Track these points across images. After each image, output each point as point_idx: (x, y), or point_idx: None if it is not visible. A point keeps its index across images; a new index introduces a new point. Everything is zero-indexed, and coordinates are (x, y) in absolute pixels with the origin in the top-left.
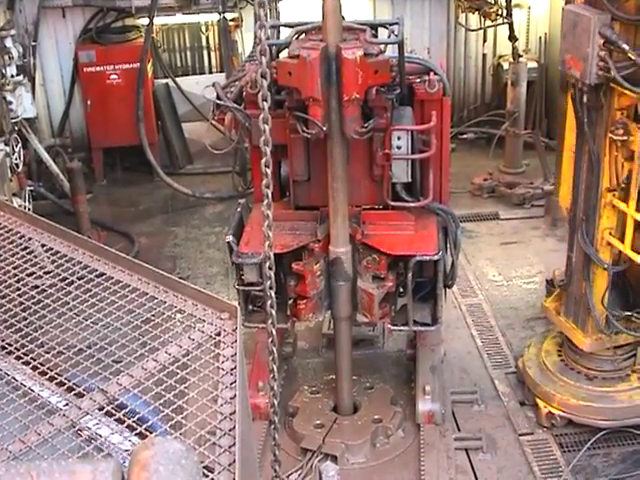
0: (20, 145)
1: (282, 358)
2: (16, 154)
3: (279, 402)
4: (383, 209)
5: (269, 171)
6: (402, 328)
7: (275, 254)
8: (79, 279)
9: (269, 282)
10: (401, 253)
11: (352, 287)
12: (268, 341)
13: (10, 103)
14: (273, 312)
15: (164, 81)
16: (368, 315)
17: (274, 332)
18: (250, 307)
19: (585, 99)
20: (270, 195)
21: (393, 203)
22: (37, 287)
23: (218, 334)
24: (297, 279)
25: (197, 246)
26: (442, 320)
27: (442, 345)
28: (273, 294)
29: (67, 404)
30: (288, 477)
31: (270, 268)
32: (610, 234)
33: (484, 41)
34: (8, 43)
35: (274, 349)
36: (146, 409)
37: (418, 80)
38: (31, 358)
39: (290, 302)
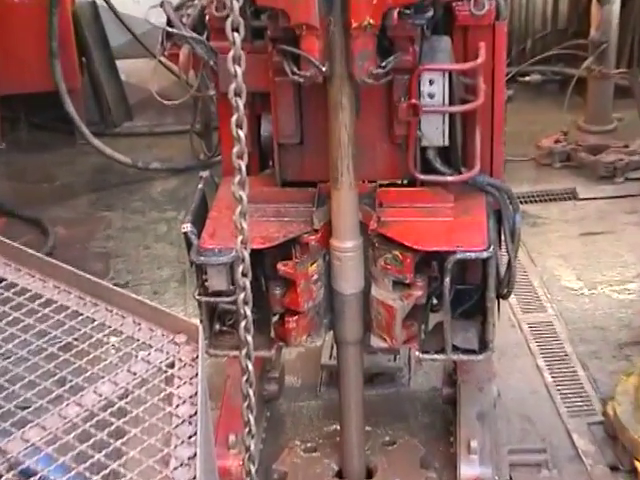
0: None
1: (263, 400)
2: None
3: (257, 467)
4: (409, 185)
5: (242, 134)
6: (436, 357)
7: (253, 251)
8: None
9: (244, 294)
10: (435, 248)
11: (364, 298)
12: (242, 380)
13: None
14: (249, 338)
15: None
16: (387, 338)
17: (250, 366)
18: (217, 327)
19: None
20: (244, 168)
21: (423, 177)
22: None
23: (171, 365)
24: (285, 286)
25: (140, 239)
26: (494, 346)
27: (494, 382)
28: (249, 311)
29: None
30: None
31: (245, 274)
32: None
33: None
34: None
35: (250, 391)
36: (65, 477)
37: None
38: None
39: (275, 319)
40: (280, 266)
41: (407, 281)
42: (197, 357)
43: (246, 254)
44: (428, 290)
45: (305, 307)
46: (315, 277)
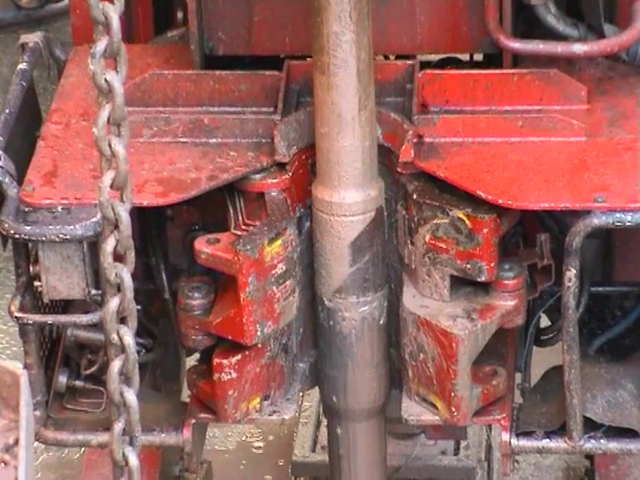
0: None
1: None
2: None
3: None
4: (485, 65)
5: None
6: (548, 445)
7: (143, 211)
8: None
9: (115, 302)
10: (546, 205)
11: (388, 314)
12: None
13: None
14: (131, 399)
15: None
16: (439, 403)
17: (134, 462)
18: (62, 380)
19: None
20: (116, 20)
21: (519, 45)
22: None
23: None
24: (211, 289)
25: None
26: None
27: None
28: (131, 341)
29: None
30: None
31: (120, 257)
32: None
33: None
34: None
35: None
36: None
37: None
38: None
39: (192, 362)
40: (201, 245)
41: (484, 278)
42: (16, 444)
43: (124, 213)
44: (531, 298)
45: (257, 336)
46: (280, 269)
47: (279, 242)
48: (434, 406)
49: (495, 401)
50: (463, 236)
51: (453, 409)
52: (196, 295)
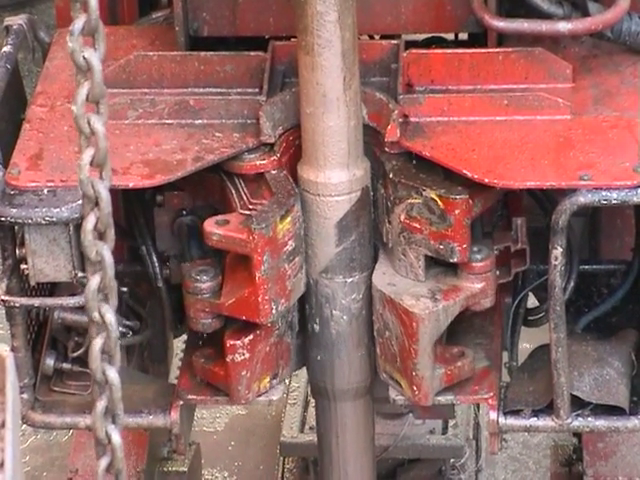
0: None
1: None
2: None
3: None
4: (470, 44)
5: None
6: (536, 423)
7: (124, 193)
8: None
9: (95, 281)
10: (529, 184)
11: (368, 292)
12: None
13: None
14: (114, 377)
15: None
16: (403, 381)
17: (118, 446)
18: (50, 362)
19: None
20: (93, 0)
21: (504, 24)
22: None
23: None
24: (218, 270)
25: None
26: None
27: None
28: (114, 320)
29: None
30: None
31: (102, 234)
32: None
33: None
34: None
35: None
36: None
37: None
38: None
39: (181, 345)
40: (212, 227)
41: (456, 259)
42: (2, 426)
43: (103, 191)
44: (512, 277)
45: (272, 314)
46: (290, 246)
47: (289, 219)
48: (399, 384)
49: (482, 380)
50: (436, 216)
51: (414, 388)
52: (204, 278)
